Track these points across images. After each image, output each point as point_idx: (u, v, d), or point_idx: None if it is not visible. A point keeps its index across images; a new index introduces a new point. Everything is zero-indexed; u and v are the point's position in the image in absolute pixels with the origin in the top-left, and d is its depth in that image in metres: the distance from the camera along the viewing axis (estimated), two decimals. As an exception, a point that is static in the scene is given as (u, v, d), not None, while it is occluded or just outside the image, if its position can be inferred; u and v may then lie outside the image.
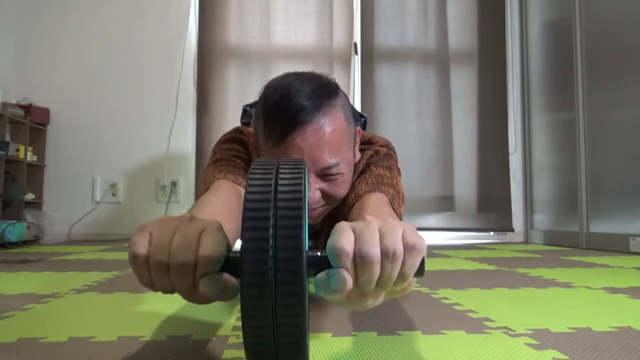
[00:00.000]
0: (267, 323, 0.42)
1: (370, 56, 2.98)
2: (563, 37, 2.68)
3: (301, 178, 0.47)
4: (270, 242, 0.42)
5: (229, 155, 0.96)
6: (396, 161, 1.03)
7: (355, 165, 0.96)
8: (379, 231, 0.46)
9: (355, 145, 0.92)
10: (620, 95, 2.27)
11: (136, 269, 0.47)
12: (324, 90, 0.83)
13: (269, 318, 0.41)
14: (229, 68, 2.90)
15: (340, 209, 0.94)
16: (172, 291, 0.48)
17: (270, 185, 0.44)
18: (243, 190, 0.87)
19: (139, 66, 2.96)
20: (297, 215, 0.43)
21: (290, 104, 0.80)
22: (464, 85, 3.04)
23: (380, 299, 0.49)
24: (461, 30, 3.06)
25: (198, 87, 2.90)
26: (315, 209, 0.87)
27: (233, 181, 0.88)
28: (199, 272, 0.46)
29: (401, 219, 0.92)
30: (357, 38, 3.02)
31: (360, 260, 0.44)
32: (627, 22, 2.24)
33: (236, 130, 1.05)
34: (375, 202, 0.84)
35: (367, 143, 1.03)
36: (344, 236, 0.45)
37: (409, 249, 0.45)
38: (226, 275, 0.46)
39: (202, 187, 0.93)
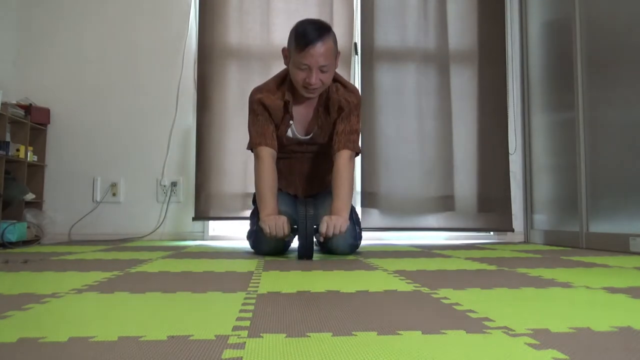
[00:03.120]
0: (305, 240, 1.76)
1: (370, 56, 2.98)
2: (563, 37, 2.68)
3: (312, 208, 1.78)
4: (306, 226, 1.76)
5: (259, 111, 1.88)
6: (360, 107, 1.93)
7: (335, 77, 1.89)
8: (334, 223, 1.74)
9: (336, 59, 1.82)
10: (620, 95, 2.27)
11: (265, 235, 1.77)
12: (325, 28, 1.77)
13: (306, 239, 1.76)
14: (229, 68, 2.90)
15: (323, 150, 2.01)
16: (275, 239, 1.81)
17: (304, 208, 1.77)
18: (274, 152, 1.88)
19: (139, 66, 2.96)
20: (310, 218, 1.77)
21: (307, 31, 1.72)
22: (464, 85, 3.04)
23: (337, 239, 1.88)
24: (461, 30, 3.06)
25: (198, 87, 2.90)
26: (317, 88, 1.79)
27: (267, 145, 1.86)
28: (284, 234, 1.77)
29: (358, 150, 1.92)
30: (357, 38, 3.02)
31: (326, 234, 1.75)
32: (627, 22, 2.24)
33: (257, 90, 1.91)
34: (344, 164, 1.85)
35: (340, 83, 1.91)
36: (324, 224, 1.74)
37: (343, 229, 1.77)
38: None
39: (251, 138, 1.91)
